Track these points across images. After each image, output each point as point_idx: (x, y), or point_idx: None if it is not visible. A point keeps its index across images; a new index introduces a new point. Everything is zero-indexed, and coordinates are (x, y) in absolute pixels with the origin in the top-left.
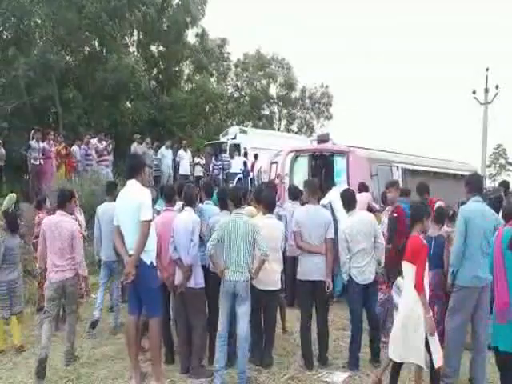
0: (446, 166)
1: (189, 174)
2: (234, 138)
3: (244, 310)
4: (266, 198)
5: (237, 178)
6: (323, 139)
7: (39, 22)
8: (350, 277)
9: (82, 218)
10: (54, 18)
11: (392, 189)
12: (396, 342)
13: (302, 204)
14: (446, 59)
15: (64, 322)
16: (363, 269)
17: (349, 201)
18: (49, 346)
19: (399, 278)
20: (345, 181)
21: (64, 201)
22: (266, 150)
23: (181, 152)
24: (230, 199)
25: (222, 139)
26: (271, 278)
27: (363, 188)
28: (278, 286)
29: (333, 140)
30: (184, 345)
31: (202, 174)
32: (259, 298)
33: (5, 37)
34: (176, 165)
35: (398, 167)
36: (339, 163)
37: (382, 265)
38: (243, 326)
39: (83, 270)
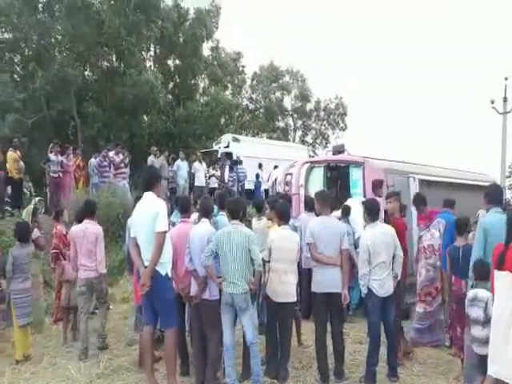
0: (464, 176)
1: (204, 185)
2: (227, 147)
3: (247, 319)
4: (280, 209)
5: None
6: (339, 150)
7: (59, 38)
8: (369, 289)
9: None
10: (74, 34)
11: (392, 199)
12: (496, 356)
13: (317, 215)
14: (464, 67)
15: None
16: (383, 282)
17: (373, 211)
18: (87, 339)
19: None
20: (360, 192)
21: (91, 210)
22: (260, 158)
23: (196, 164)
24: (228, 211)
25: (216, 148)
26: (287, 290)
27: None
28: (294, 299)
29: (348, 151)
30: (199, 357)
31: (216, 185)
32: (275, 310)
33: (26, 53)
34: (191, 176)
35: (414, 178)
36: (355, 174)
37: (399, 278)
38: (249, 333)
39: (102, 267)
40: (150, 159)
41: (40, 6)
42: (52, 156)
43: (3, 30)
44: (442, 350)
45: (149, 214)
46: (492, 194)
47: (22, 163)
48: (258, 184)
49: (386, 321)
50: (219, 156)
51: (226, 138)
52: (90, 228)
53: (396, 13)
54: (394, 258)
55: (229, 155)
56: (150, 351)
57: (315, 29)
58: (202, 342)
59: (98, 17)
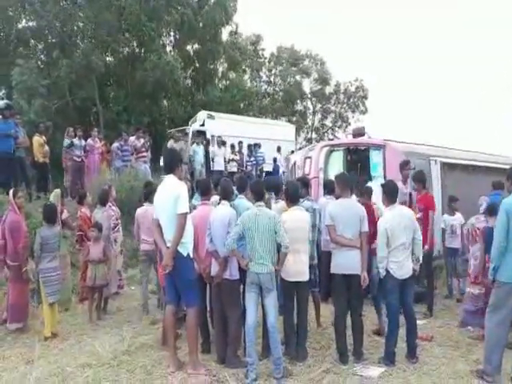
0: (486, 159)
1: (223, 169)
2: (203, 125)
3: (271, 301)
4: (286, 191)
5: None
6: (359, 133)
7: (81, 25)
8: (388, 271)
9: (116, 209)
10: (95, 21)
11: None
12: None
13: (337, 198)
14: (488, 59)
15: (105, 312)
16: (402, 263)
17: (392, 193)
18: (147, 297)
19: None
20: (381, 175)
21: (150, 193)
22: (238, 137)
23: (215, 148)
24: (252, 192)
25: (193, 126)
26: (299, 269)
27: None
28: (307, 277)
29: (368, 133)
30: (220, 335)
31: (235, 169)
32: (290, 290)
33: (49, 40)
34: (208, 161)
35: (436, 161)
36: (375, 157)
37: (421, 261)
38: (271, 316)
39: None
40: (170, 143)
41: None
42: (76, 140)
43: (28, 18)
44: (462, 332)
45: (170, 196)
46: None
47: (47, 148)
48: (275, 167)
49: (405, 302)
50: (190, 134)
51: (202, 115)
52: (150, 210)
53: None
54: (413, 240)
55: (202, 134)
56: (173, 330)
57: (336, 11)
58: (223, 321)
59: (119, 3)
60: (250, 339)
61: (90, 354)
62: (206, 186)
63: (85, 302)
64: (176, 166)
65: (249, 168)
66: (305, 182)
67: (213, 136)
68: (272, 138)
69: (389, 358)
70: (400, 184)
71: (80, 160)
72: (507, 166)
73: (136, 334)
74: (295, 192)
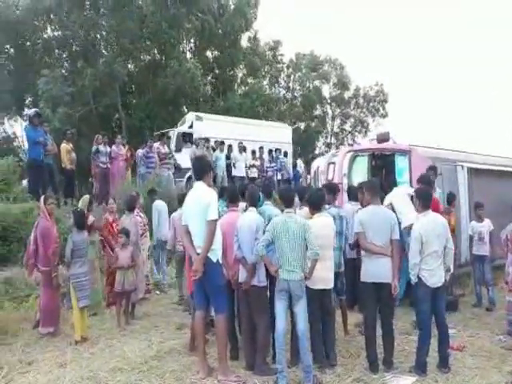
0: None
1: (244, 175)
2: (191, 127)
3: (300, 309)
4: (309, 198)
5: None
6: (383, 138)
7: (104, 33)
8: (420, 279)
9: (143, 215)
10: (118, 30)
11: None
12: None
13: (363, 205)
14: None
15: (133, 317)
16: (434, 272)
17: (425, 199)
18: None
19: None
20: (407, 181)
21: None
22: (229, 139)
23: (236, 154)
24: (282, 199)
25: (179, 129)
26: (325, 276)
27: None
28: (332, 285)
29: (393, 139)
30: (248, 342)
31: (256, 175)
32: (316, 297)
33: (73, 49)
34: (229, 167)
35: (462, 166)
36: (400, 163)
37: (452, 271)
38: (301, 324)
39: None
40: (192, 150)
41: (87, 3)
42: (101, 147)
43: (53, 27)
44: (494, 342)
45: (200, 203)
46: None
47: (74, 154)
48: (296, 173)
49: (437, 311)
50: (174, 137)
51: (190, 117)
52: None
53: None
54: (445, 249)
55: (189, 136)
56: (203, 335)
57: (354, 16)
58: (251, 328)
59: (140, 11)
60: (280, 346)
61: (120, 359)
62: (233, 193)
63: (112, 307)
64: (206, 172)
65: (269, 174)
66: (332, 188)
67: (197, 139)
68: (267, 140)
69: (420, 368)
70: None
71: (105, 167)
72: None
73: (164, 339)
74: (317, 199)
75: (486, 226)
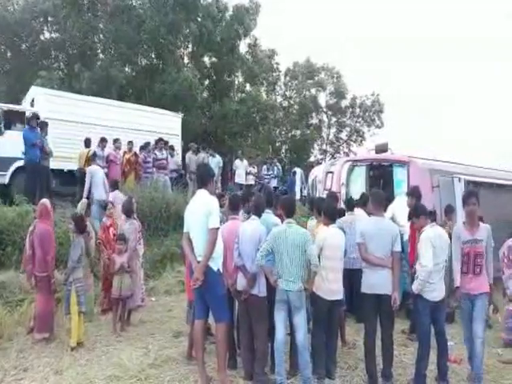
0: (510, 177)
1: (244, 182)
2: (32, 105)
3: (300, 320)
4: (328, 208)
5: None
6: (382, 149)
7: (102, 37)
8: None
9: (137, 221)
10: (116, 34)
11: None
12: None
13: (368, 215)
14: (499, 76)
15: (128, 324)
16: (436, 285)
17: (431, 211)
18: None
19: None
20: (405, 192)
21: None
22: (86, 124)
23: (237, 161)
24: (283, 209)
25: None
26: (337, 287)
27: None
28: (342, 296)
29: (392, 150)
30: (247, 351)
31: (253, 182)
32: (325, 308)
33: (70, 52)
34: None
35: (460, 179)
36: (399, 174)
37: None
38: (301, 335)
39: None
40: (188, 156)
41: (85, 7)
42: (99, 151)
43: (50, 30)
44: (494, 356)
45: (202, 211)
46: None
47: None
48: (290, 181)
49: (437, 324)
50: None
51: (33, 91)
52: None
53: (433, 17)
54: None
55: (20, 116)
56: (202, 344)
57: (353, 25)
58: (250, 337)
59: (138, 16)
60: (280, 357)
61: (117, 366)
62: (235, 200)
63: (108, 314)
64: (208, 180)
65: (266, 181)
66: (335, 198)
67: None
68: (145, 129)
69: (419, 381)
70: None
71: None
72: None
73: (161, 347)
74: (334, 210)
75: None
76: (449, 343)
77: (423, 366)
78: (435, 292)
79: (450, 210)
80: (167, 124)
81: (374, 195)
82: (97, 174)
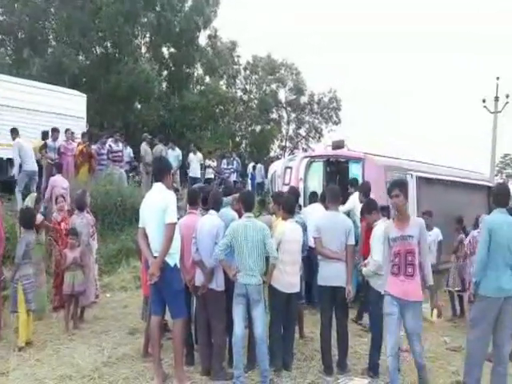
0: (461, 175)
1: (198, 176)
2: None
3: (258, 313)
4: (287, 202)
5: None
6: (338, 145)
7: (53, 23)
8: (367, 283)
9: (90, 216)
10: (68, 20)
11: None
12: None
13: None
14: (458, 67)
15: (82, 321)
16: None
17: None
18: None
19: None
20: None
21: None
22: None
23: (190, 155)
24: (242, 203)
25: None
26: (295, 280)
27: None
28: (299, 288)
29: (348, 146)
30: (204, 346)
31: (212, 176)
32: (283, 301)
33: (19, 36)
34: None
35: (412, 175)
36: (354, 170)
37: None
38: (259, 328)
39: None
40: (143, 147)
41: None
42: (49, 142)
43: None
44: (442, 344)
45: (158, 206)
46: (497, 195)
47: None
48: (252, 177)
49: None
50: None
51: None
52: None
53: (393, 10)
54: None
55: None
56: (158, 341)
57: (315, 22)
58: (208, 332)
59: (93, 2)
60: (238, 351)
61: (69, 366)
62: (194, 195)
63: (59, 311)
64: (165, 173)
65: (226, 175)
66: (295, 193)
67: None
68: (42, 110)
69: (373, 370)
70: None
71: (53, 163)
72: (482, 182)
73: (115, 345)
74: (293, 204)
75: (434, 235)
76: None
77: (377, 355)
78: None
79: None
80: (69, 104)
81: (330, 191)
82: (23, 147)
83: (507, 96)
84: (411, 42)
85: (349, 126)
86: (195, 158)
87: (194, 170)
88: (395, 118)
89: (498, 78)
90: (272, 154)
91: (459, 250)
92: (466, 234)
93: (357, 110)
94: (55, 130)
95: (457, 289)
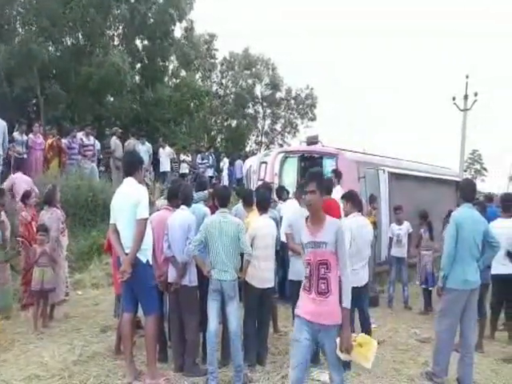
0: (430, 170)
1: (168, 170)
2: None
3: (233, 308)
4: (261, 198)
5: None
6: (312, 141)
7: (21, 10)
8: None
9: (61, 211)
10: (37, 8)
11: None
12: None
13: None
14: (428, 65)
15: (51, 319)
16: (358, 271)
17: (357, 203)
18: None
19: None
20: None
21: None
22: None
23: (160, 149)
24: (217, 198)
25: None
26: (268, 276)
27: None
28: (273, 284)
29: (322, 142)
30: (177, 343)
31: (187, 170)
32: (257, 296)
33: None
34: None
35: (384, 170)
36: (328, 165)
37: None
38: (234, 324)
39: None
40: (113, 141)
41: None
42: (17, 135)
43: None
44: (412, 336)
45: (129, 201)
46: (464, 190)
47: None
48: (230, 172)
49: (361, 309)
50: None
51: None
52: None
53: (367, 5)
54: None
55: None
56: (130, 338)
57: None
58: (181, 329)
59: None
60: (212, 347)
61: (37, 365)
62: (173, 191)
63: (28, 309)
64: (136, 168)
65: (201, 170)
66: (269, 188)
67: None
68: None
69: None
70: None
71: (22, 157)
72: (452, 178)
73: (87, 343)
74: (267, 200)
75: (405, 228)
76: (372, 326)
77: None
78: (357, 277)
79: (372, 199)
80: None
81: (299, 186)
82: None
83: (476, 94)
84: (382, 39)
85: (327, 122)
86: (164, 153)
87: (164, 165)
88: (373, 114)
89: (467, 77)
90: (248, 148)
91: (420, 245)
92: (431, 229)
93: (335, 106)
94: (22, 123)
95: (423, 286)
